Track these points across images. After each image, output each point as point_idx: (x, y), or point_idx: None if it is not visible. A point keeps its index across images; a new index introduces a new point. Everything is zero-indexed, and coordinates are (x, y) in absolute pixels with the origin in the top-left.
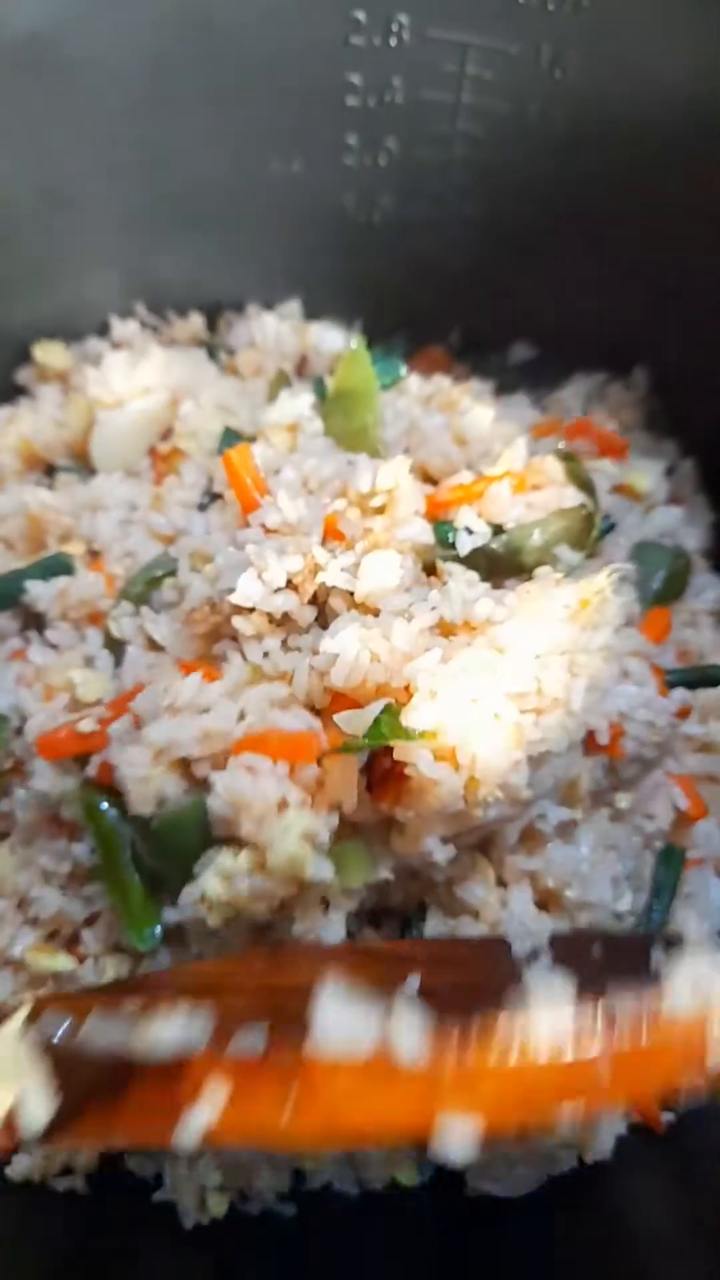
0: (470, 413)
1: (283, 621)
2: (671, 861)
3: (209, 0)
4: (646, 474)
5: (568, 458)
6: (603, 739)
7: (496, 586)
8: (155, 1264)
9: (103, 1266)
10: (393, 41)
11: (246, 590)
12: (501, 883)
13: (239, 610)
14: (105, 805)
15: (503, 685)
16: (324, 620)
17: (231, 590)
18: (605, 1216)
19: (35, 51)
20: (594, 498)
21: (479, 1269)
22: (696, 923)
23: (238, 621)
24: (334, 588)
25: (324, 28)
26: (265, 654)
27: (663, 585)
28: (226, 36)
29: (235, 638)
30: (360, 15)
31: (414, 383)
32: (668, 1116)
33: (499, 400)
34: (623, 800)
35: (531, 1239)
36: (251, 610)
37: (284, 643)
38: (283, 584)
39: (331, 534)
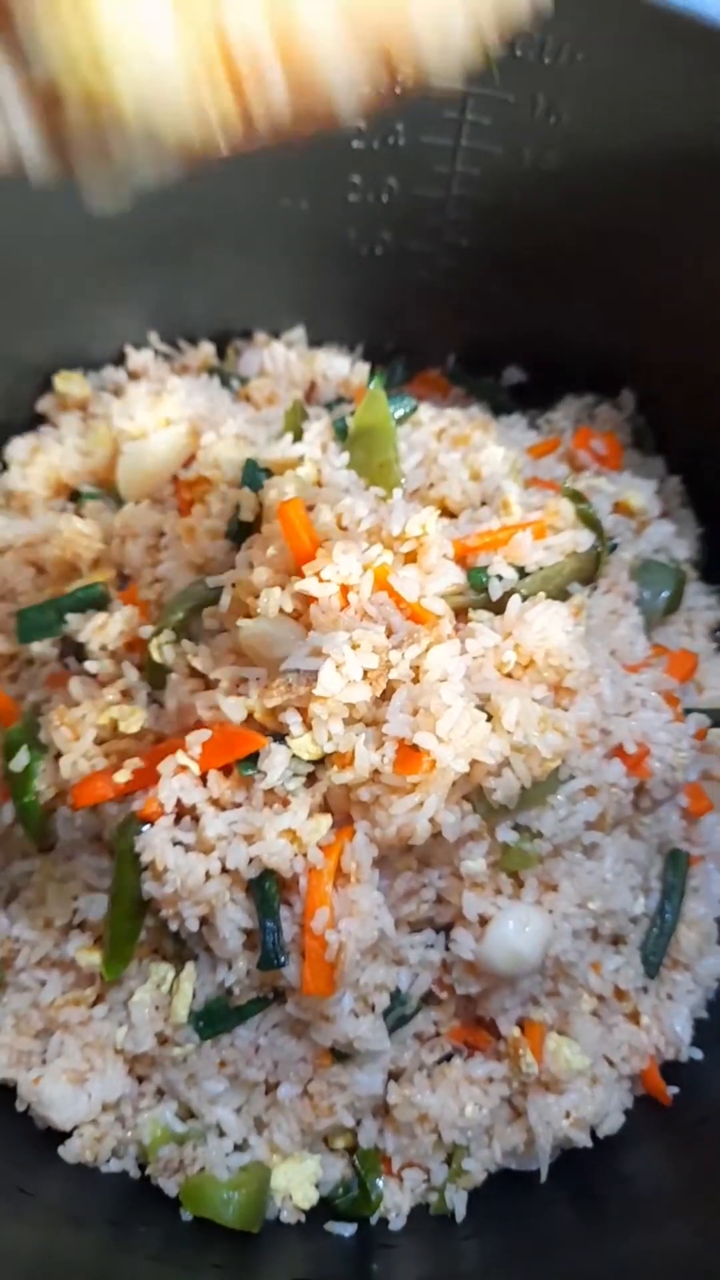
0: (485, 449)
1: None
2: (678, 865)
3: None
4: (640, 491)
5: (578, 498)
6: (630, 748)
7: None
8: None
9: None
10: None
11: (327, 684)
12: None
13: (318, 699)
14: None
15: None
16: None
17: (298, 671)
18: (616, 1182)
19: None
20: (603, 536)
21: (498, 1235)
22: (703, 911)
23: (315, 708)
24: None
25: None
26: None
27: (666, 603)
28: None
29: (302, 710)
30: None
31: (425, 413)
32: (673, 1090)
33: (495, 420)
34: (645, 820)
35: (547, 1206)
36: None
37: (344, 719)
38: (359, 678)
39: (381, 585)
